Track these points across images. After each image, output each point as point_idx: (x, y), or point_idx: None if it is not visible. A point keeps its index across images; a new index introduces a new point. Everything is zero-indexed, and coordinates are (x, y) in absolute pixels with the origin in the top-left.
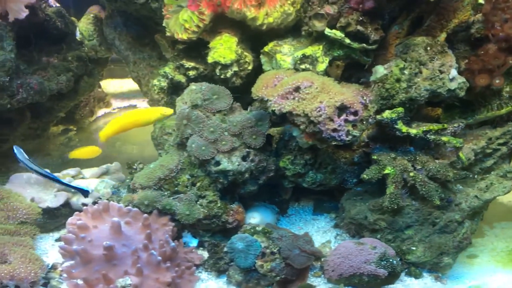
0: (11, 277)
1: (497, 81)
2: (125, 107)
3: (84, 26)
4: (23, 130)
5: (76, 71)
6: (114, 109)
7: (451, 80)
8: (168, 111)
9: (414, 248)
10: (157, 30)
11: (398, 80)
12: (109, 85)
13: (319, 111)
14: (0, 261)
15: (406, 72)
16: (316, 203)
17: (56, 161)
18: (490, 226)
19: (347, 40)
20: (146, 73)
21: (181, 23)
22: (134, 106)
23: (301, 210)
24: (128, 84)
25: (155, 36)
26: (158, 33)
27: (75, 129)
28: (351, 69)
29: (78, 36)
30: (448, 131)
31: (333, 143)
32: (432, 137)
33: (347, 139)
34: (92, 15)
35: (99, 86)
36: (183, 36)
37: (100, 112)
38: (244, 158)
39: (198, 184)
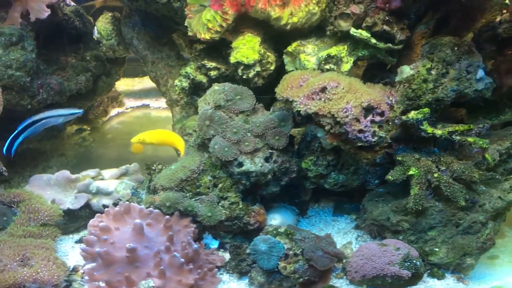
0: (34, 280)
1: None
2: (138, 106)
3: (102, 25)
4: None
5: (94, 71)
6: (127, 108)
7: (478, 80)
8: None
9: (437, 249)
10: (175, 30)
11: (425, 81)
12: (121, 84)
13: (345, 111)
14: (22, 264)
15: (433, 72)
16: (336, 204)
17: (71, 161)
18: (510, 227)
19: (373, 40)
20: (165, 73)
21: (204, 22)
22: (147, 106)
23: (321, 211)
24: (139, 83)
25: (172, 35)
26: (175, 33)
27: (89, 129)
28: (374, 69)
29: (96, 35)
30: (473, 132)
31: (359, 144)
32: (458, 138)
33: (373, 140)
34: (110, 14)
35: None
36: (206, 36)
37: (113, 111)
38: (267, 159)
39: (220, 186)
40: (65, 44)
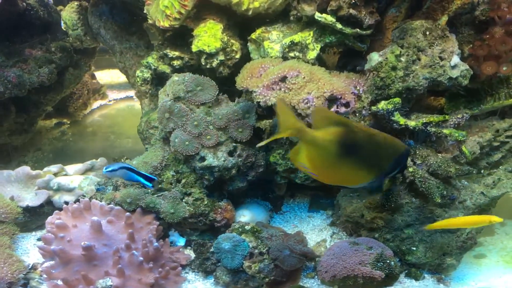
0: None
1: (505, 68)
2: (121, 98)
3: (67, 15)
4: (9, 125)
5: (59, 63)
6: (110, 100)
7: (453, 67)
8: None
9: (414, 248)
10: (144, 18)
11: (394, 68)
12: (105, 76)
13: (306, 102)
14: None
15: (402, 59)
16: (312, 199)
17: (47, 155)
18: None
19: (339, 25)
20: (133, 63)
21: (161, 9)
22: (131, 98)
23: (296, 206)
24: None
25: (144, 24)
26: (146, 21)
27: (68, 122)
28: (347, 57)
29: (63, 25)
30: (451, 123)
31: None
32: (433, 129)
33: None
34: (76, 3)
35: (94, 77)
36: (165, 23)
37: (96, 104)
38: (230, 153)
39: (183, 181)
40: (29, 35)
